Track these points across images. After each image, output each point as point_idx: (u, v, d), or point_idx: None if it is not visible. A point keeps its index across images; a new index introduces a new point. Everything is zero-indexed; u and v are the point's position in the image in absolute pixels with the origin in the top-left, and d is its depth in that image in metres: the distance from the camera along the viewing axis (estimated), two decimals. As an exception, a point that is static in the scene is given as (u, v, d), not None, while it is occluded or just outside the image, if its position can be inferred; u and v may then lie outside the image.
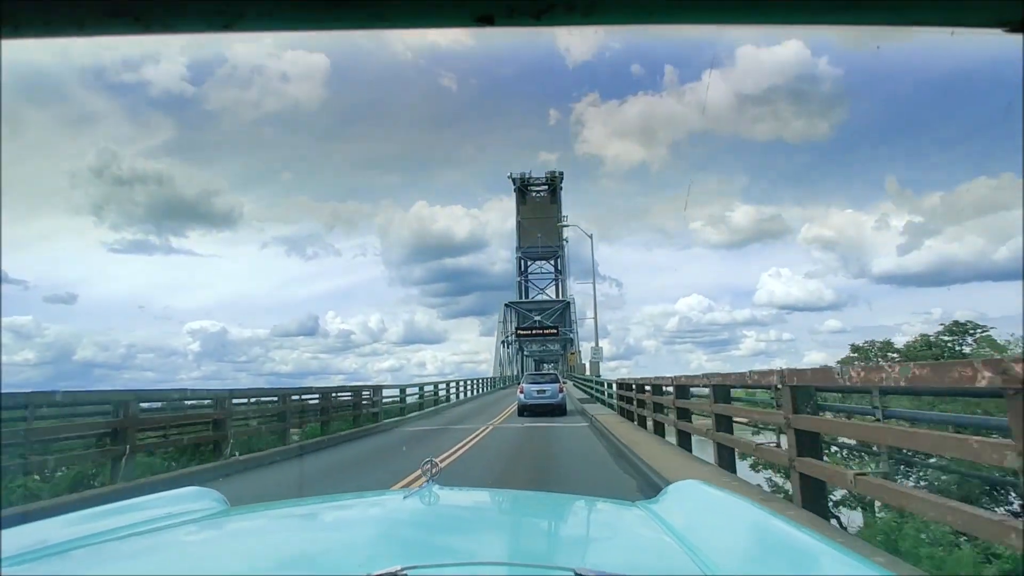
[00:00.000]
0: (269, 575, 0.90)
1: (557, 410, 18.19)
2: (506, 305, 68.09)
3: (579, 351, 52.53)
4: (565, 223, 76.39)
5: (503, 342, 65.27)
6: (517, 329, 66.08)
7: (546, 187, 76.41)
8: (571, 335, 64.48)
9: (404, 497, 1.43)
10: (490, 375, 57.62)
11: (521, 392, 18.92)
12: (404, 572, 0.76)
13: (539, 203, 75.49)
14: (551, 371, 26.19)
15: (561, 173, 76.90)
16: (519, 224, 75.02)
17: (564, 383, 21.40)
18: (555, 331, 65.70)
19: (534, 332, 67.18)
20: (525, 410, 18.03)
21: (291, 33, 0.54)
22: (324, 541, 1.22)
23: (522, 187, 75.80)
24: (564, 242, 74.56)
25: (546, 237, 74.21)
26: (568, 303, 68.57)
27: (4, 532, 1.16)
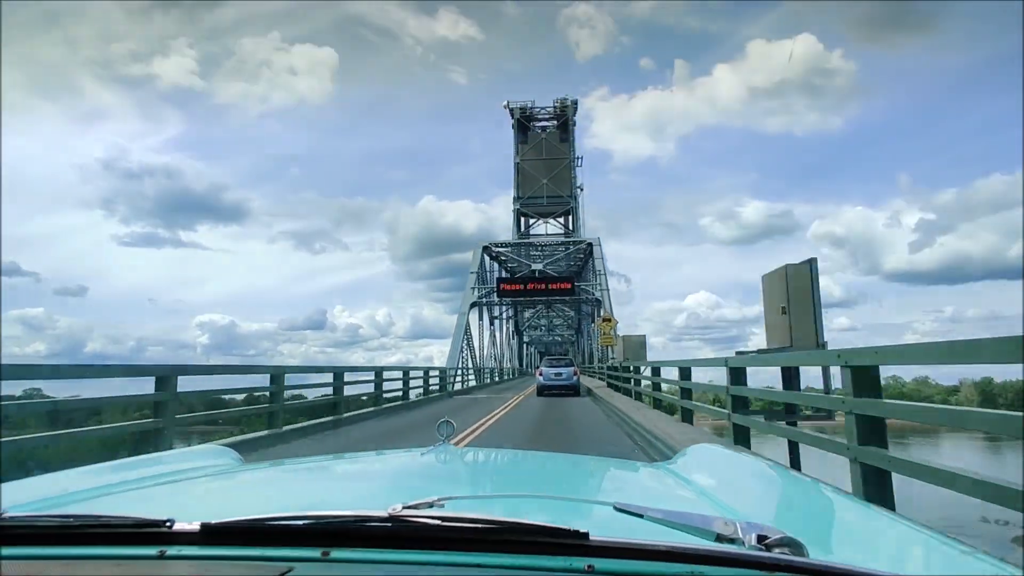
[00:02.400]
0: (289, 514, 0.74)
1: (571, 391, 19.95)
2: (484, 249, 44.27)
3: (615, 319, 30.08)
4: (579, 164, 60.99)
5: (476, 304, 41.68)
6: (500, 283, 41.78)
7: (554, 121, 58.64)
8: (596, 293, 41.47)
9: (421, 453, 1.46)
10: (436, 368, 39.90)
11: (540, 375, 21.23)
12: (442, 501, 0.74)
13: (545, 141, 57.71)
14: (566, 356, 31.60)
15: (575, 101, 59.07)
16: (518, 168, 57.26)
17: (578, 370, 22.32)
18: (568, 284, 40.08)
19: (529, 287, 40.23)
20: (544, 390, 20.10)
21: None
22: (344, 488, 1.24)
23: (522, 120, 58.05)
24: (579, 190, 56.77)
25: (554, 185, 56.50)
26: (591, 244, 44.67)
27: (25, 481, 1.22)
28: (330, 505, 0.83)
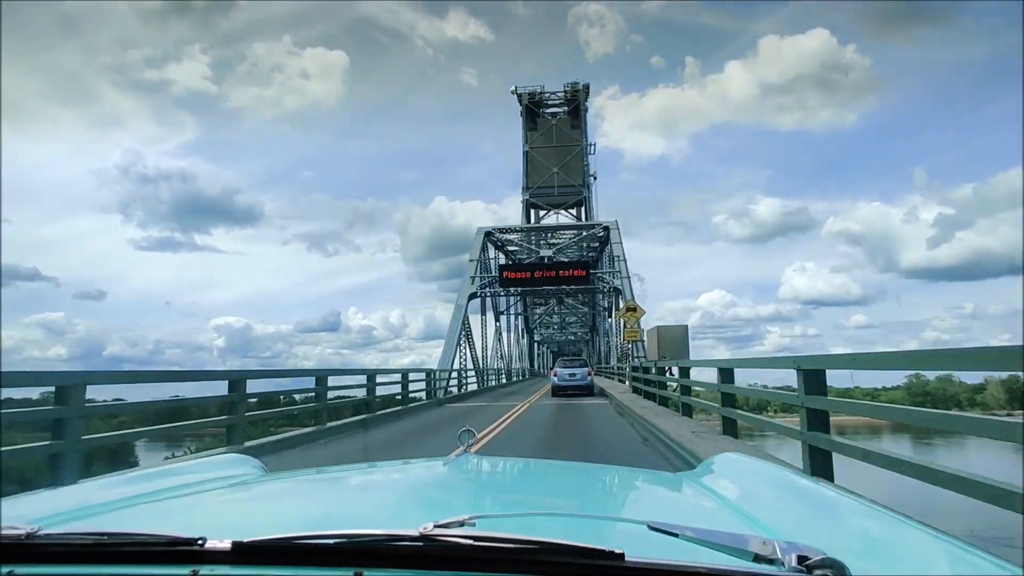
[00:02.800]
0: (320, 533, 0.74)
1: (585, 391, 20.29)
2: (486, 235, 38.59)
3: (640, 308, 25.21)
4: (592, 151, 56.79)
5: (476, 295, 36.85)
6: (503, 270, 35.97)
7: (564, 107, 54.75)
8: (616, 282, 35.87)
9: (444, 464, 1.43)
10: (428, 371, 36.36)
11: (555, 375, 21.44)
12: (473, 520, 0.74)
13: (555, 127, 53.82)
14: (580, 356, 31.09)
15: (586, 85, 55.02)
16: (527, 156, 53.39)
17: (592, 370, 22.91)
18: (582, 272, 35.09)
19: (537, 275, 34.77)
20: (558, 391, 20.33)
21: None
22: (369, 501, 1.22)
23: (531, 106, 54.19)
24: (591, 179, 52.84)
25: (565, 174, 52.65)
26: (607, 228, 38.97)
27: (45, 494, 1.21)
28: (358, 520, 0.94)
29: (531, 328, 59.08)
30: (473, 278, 36.66)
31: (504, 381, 38.37)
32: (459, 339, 34.30)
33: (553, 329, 68.89)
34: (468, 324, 36.94)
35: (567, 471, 1.65)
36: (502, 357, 48.11)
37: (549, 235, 46.63)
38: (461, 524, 0.72)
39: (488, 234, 39.70)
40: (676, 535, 0.73)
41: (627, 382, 20.50)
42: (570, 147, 53.21)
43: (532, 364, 59.68)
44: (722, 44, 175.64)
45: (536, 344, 67.13)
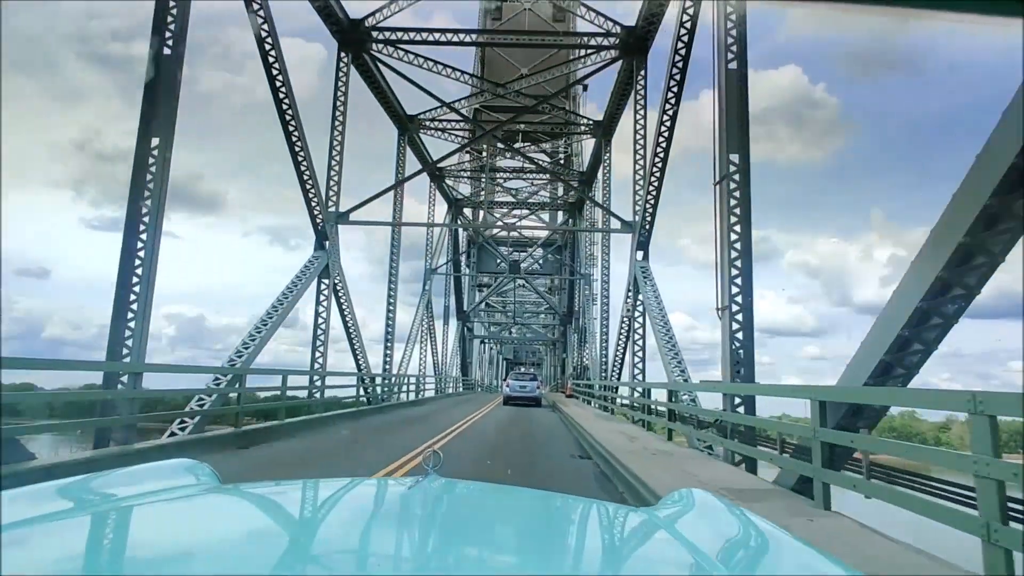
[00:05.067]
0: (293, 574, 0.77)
1: (534, 402, 23.94)
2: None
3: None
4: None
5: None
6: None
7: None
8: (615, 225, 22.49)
9: (408, 487, 1.41)
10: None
11: (507, 386, 24.64)
12: None
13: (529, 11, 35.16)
14: (530, 372, 31.47)
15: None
16: (480, 55, 34.63)
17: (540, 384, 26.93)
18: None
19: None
20: (509, 400, 23.81)
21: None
22: (340, 533, 1.15)
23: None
24: (580, 89, 34.45)
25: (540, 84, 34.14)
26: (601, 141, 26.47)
27: None
28: (334, 559, 0.94)
29: (465, 313, 39.12)
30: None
31: (413, 396, 24.96)
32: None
33: (507, 322, 50.41)
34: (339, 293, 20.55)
35: (529, 504, 1.60)
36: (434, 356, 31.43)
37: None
38: None
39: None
40: None
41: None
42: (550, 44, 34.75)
43: (465, 370, 41.40)
44: (698, 73, 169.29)
45: (482, 344, 48.41)
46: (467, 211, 34.32)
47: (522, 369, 46.25)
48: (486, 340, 51.47)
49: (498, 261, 34.83)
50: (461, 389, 35.70)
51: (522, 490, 1.74)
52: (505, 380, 26.41)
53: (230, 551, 0.96)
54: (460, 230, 35.09)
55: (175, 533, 1.08)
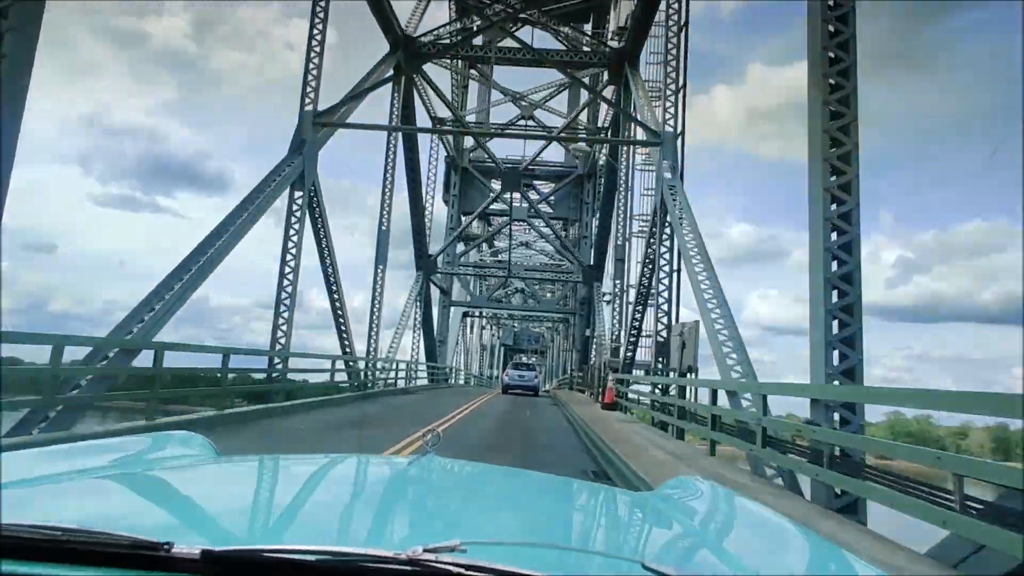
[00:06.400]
0: (298, 548, 0.69)
1: (532, 391, 23.18)
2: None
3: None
4: None
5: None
6: None
7: None
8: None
9: (408, 463, 1.42)
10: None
11: (506, 376, 24.60)
12: (464, 546, 0.70)
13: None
14: (530, 363, 32.99)
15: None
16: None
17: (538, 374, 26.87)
18: None
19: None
20: (508, 389, 23.14)
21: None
22: (339, 504, 1.14)
23: None
24: None
25: None
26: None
27: None
28: (330, 529, 0.92)
29: (430, 259, 26.17)
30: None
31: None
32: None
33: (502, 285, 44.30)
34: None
35: (533, 482, 1.59)
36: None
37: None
38: (451, 550, 0.69)
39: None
40: None
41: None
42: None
43: (432, 351, 28.36)
44: (712, 68, 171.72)
45: (465, 320, 41.26)
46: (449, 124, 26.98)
47: (524, 357, 43.29)
48: (473, 313, 42.25)
49: (491, 192, 27.27)
50: (417, 383, 23.52)
51: (520, 471, 1.77)
52: (504, 371, 27.20)
53: (224, 520, 0.94)
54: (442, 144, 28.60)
55: (171, 501, 1.06)
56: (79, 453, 1.26)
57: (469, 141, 28.66)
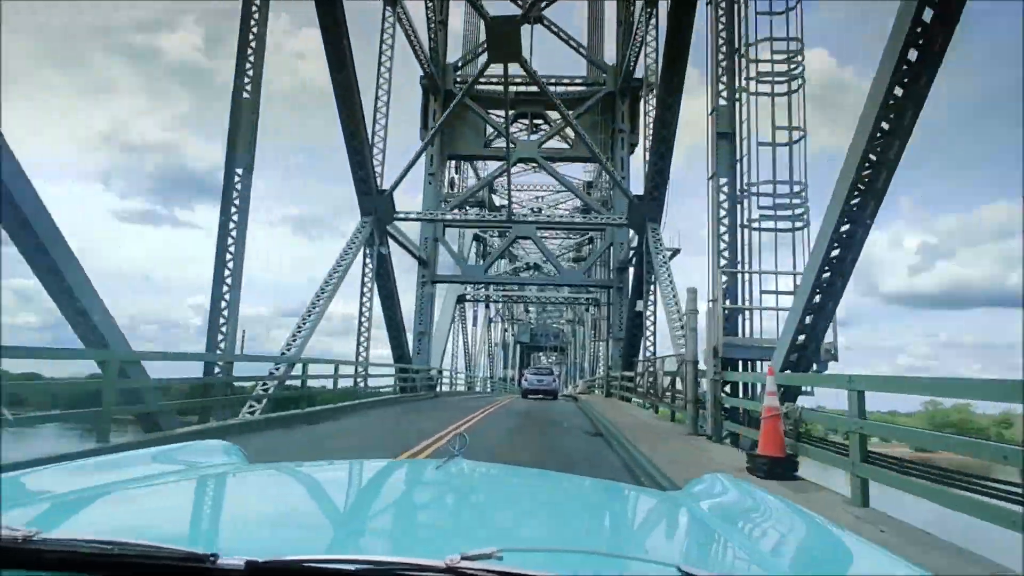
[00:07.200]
0: (340, 557, 0.70)
1: (551, 395, 22.88)
2: None
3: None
4: None
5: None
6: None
7: None
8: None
9: (436, 467, 1.40)
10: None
11: (525, 380, 24.61)
12: (500, 553, 0.71)
13: None
14: (547, 367, 34.80)
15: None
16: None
17: (557, 378, 25.96)
18: None
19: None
20: (528, 393, 22.89)
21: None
22: (374, 512, 1.18)
23: None
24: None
25: None
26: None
27: (9, 479, 1.08)
28: (367, 537, 0.95)
29: (383, 229, 18.36)
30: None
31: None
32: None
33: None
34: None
35: (566, 486, 1.59)
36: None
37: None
38: (488, 557, 0.69)
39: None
40: None
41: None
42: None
43: (401, 343, 21.04)
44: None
45: (462, 307, 32.22)
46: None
47: (543, 357, 45.71)
48: (478, 300, 34.21)
49: (489, 133, 20.52)
50: (391, 392, 17.95)
51: (548, 473, 1.75)
52: (523, 375, 27.32)
53: (263, 529, 0.96)
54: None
55: (209, 510, 1.11)
56: (111, 465, 1.26)
57: (455, 54, 21.60)
